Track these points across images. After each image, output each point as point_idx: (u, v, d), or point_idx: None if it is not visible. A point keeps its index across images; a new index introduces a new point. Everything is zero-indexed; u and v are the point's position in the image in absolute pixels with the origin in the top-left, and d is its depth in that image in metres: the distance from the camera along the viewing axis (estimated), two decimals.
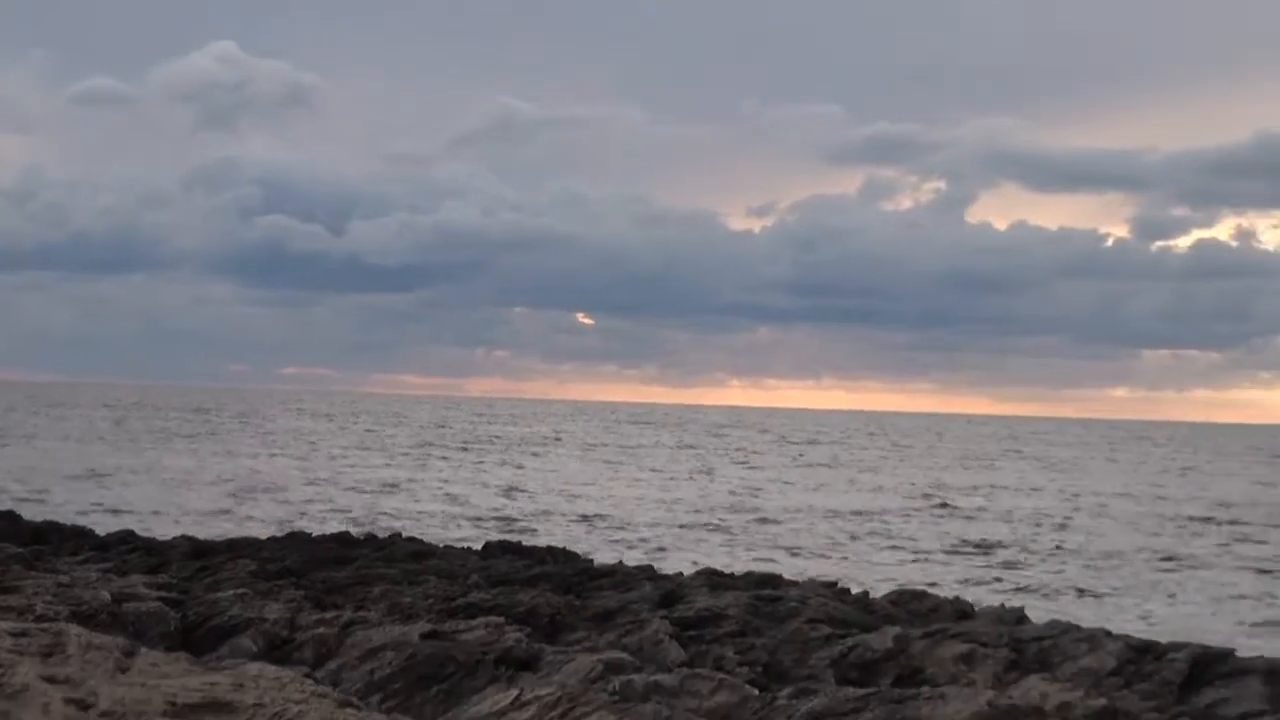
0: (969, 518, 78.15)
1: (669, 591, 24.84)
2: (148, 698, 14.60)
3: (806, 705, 16.81)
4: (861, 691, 17.38)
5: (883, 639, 19.91)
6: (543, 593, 23.71)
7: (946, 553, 61.90)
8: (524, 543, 35.00)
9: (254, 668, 16.72)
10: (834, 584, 26.86)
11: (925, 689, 17.36)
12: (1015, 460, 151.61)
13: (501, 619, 20.44)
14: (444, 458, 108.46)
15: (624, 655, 18.41)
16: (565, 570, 27.29)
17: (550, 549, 31.73)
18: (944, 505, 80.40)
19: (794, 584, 26.57)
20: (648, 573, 27.30)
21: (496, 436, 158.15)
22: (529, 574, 26.59)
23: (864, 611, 24.05)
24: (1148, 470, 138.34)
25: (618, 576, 26.49)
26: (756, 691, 17.54)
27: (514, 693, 17.12)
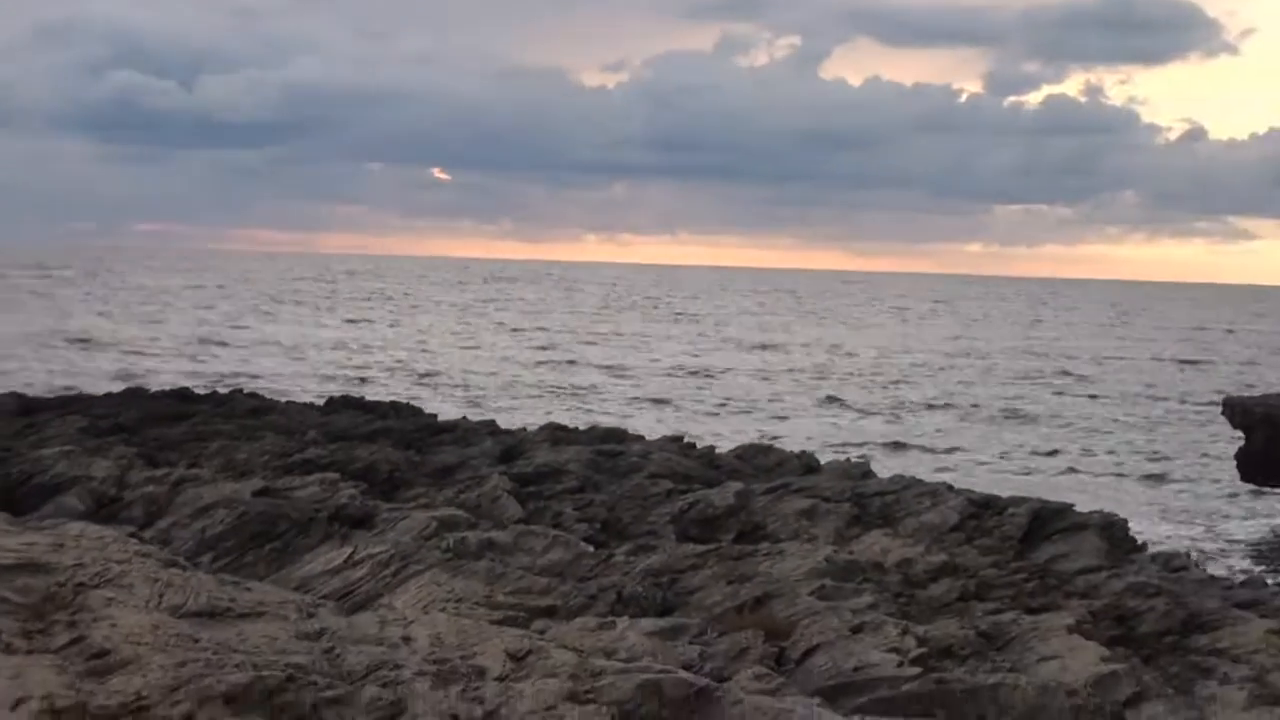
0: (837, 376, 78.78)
1: (510, 447, 24.41)
2: None
3: (644, 562, 16.51)
4: (701, 548, 17.12)
5: (724, 494, 19.64)
6: (382, 449, 23.19)
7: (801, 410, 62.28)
8: (366, 397, 34.32)
9: (76, 527, 16.05)
10: (679, 438, 26.57)
11: (765, 545, 17.15)
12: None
13: (337, 475, 19.94)
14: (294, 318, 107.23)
15: (459, 512, 17.99)
16: (406, 426, 26.72)
17: (394, 404, 31.08)
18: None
19: (638, 439, 26.24)
20: (490, 427, 26.82)
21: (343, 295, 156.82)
22: (369, 429, 26.00)
23: (709, 466, 23.79)
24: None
25: (459, 432, 25.99)
26: (591, 548, 17.22)
27: (347, 550, 16.65)
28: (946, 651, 13.23)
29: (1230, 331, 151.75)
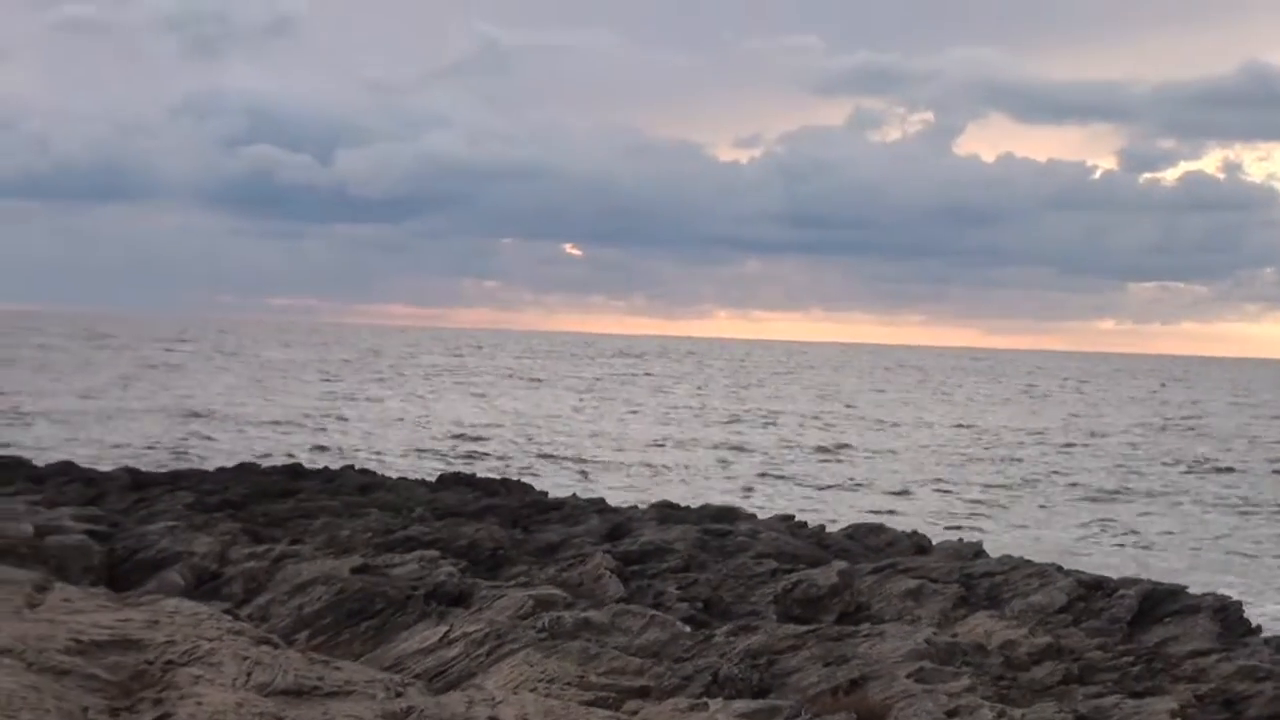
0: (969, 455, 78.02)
1: (617, 525, 24.30)
2: (52, 634, 14.02)
3: (744, 642, 16.31)
4: (801, 629, 16.89)
5: (828, 574, 19.39)
6: (487, 526, 23.14)
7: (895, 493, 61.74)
8: (480, 475, 34.37)
9: (172, 603, 16.16)
10: (790, 517, 26.35)
11: (866, 626, 16.89)
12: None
13: (437, 553, 19.90)
14: (419, 392, 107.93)
15: (556, 591, 17.88)
16: (513, 503, 26.71)
17: (505, 480, 31.14)
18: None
19: (749, 517, 26.06)
20: (598, 505, 26.74)
21: (477, 370, 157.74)
22: (477, 506, 26.00)
23: (817, 546, 23.55)
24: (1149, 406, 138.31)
25: (566, 509, 25.92)
26: (688, 629, 17.03)
27: (443, 629, 16.61)
28: None
29: None
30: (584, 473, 56.75)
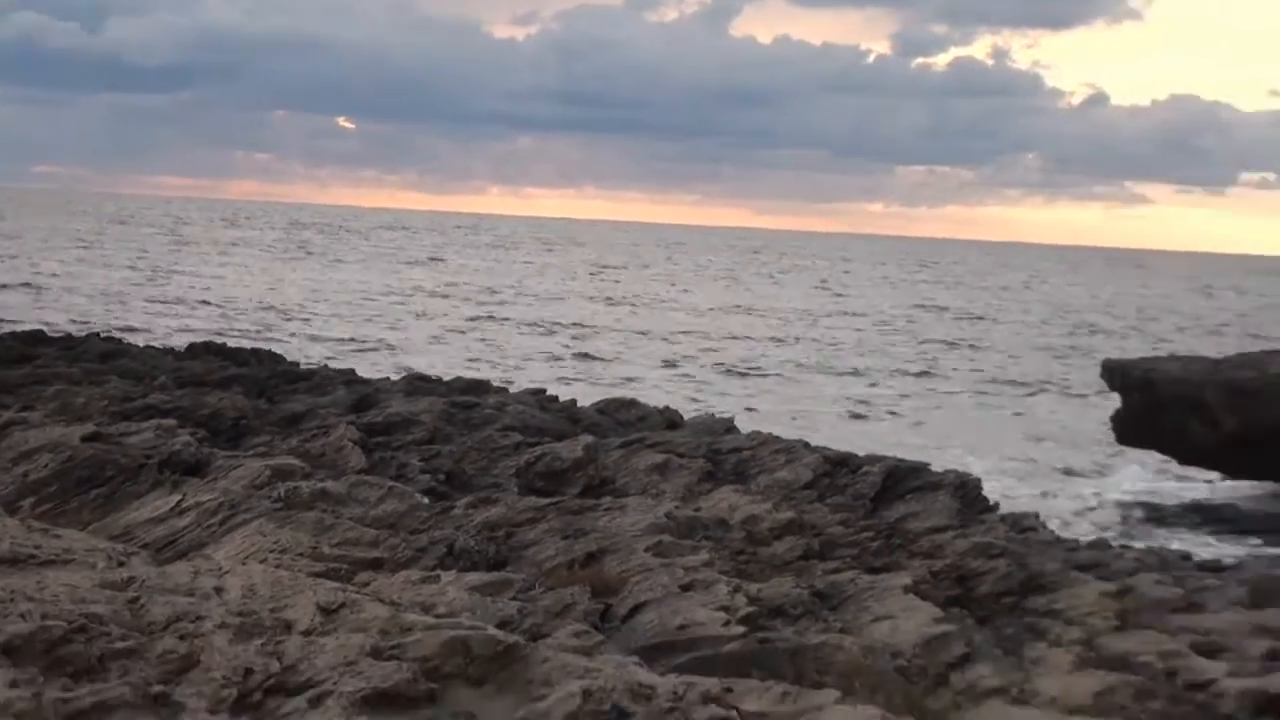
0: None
1: (364, 396, 23.85)
2: None
3: (483, 515, 16.04)
4: (542, 501, 16.67)
5: (572, 448, 19.15)
6: (231, 395, 22.55)
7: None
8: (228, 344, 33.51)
9: None
10: (541, 391, 26.07)
11: (607, 500, 16.72)
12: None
13: (175, 422, 19.29)
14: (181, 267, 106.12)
15: (294, 461, 17.42)
16: (261, 373, 26.08)
17: (255, 351, 30.41)
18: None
19: (499, 391, 25.73)
20: (347, 376, 26.22)
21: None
22: (223, 375, 25.33)
23: (567, 420, 23.34)
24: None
25: (315, 380, 25.38)
26: (426, 500, 16.72)
27: (175, 498, 16.09)
28: (778, 611, 12.85)
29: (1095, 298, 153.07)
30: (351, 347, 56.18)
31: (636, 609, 12.71)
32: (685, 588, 12.98)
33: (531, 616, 12.07)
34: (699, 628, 11.96)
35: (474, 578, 13.17)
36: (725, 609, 12.32)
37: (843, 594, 13.57)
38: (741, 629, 11.79)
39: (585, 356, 63.89)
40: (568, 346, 68.18)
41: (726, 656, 11.37)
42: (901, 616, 12.57)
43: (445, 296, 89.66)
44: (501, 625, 11.68)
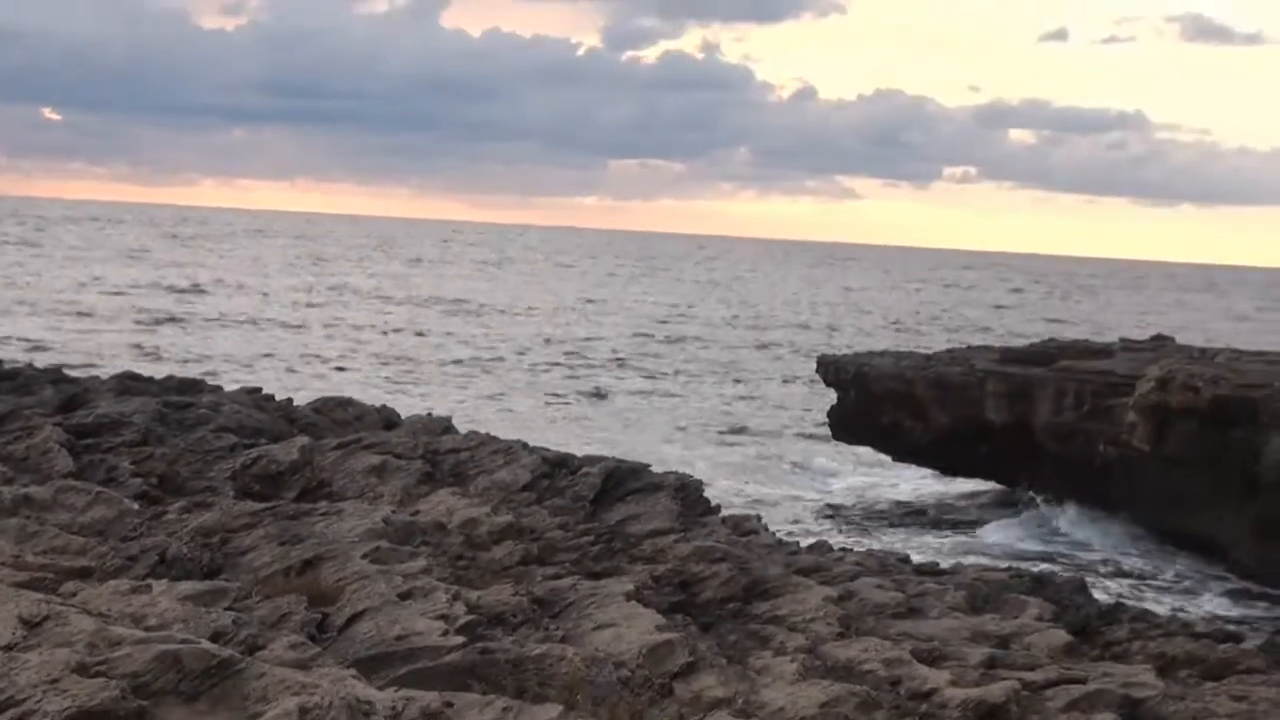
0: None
1: (73, 396, 23.02)
2: None
3: (196, 520, 15.60)
4: (259, 506, 16.29)
5: (289, 449, 18.77)
6: None
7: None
8: None
9: None
10: (257, 390, 25.49)
11: (324, 504, 16.41)
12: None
13: None
14: None
15: None
16: None
17: None
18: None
19: (214, 389, 25.09)
20: (53, 375, 25.30)
21: None
22: None
23: (284, 420, 22.83)
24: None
25: (20, 379, 24.41)
26: (136, 505, 16.22)
27: None
28: (498, 619, 12.72)
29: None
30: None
31: (354, 618, 12.46)
32: (403, 596, 12.77)
33: (247, 627, 11.74)
34: (418, 637, 11.77)
35: (187, 587, 12.79)
36: (444, 617, 12.15)
37: (564, 601, 13.47)
38: (461, 639, 11.62)
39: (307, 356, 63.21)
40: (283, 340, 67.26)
41: (447, 667, 11.20)
42: (624, 624, 12.51)
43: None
44: (216, 637, 11.36)
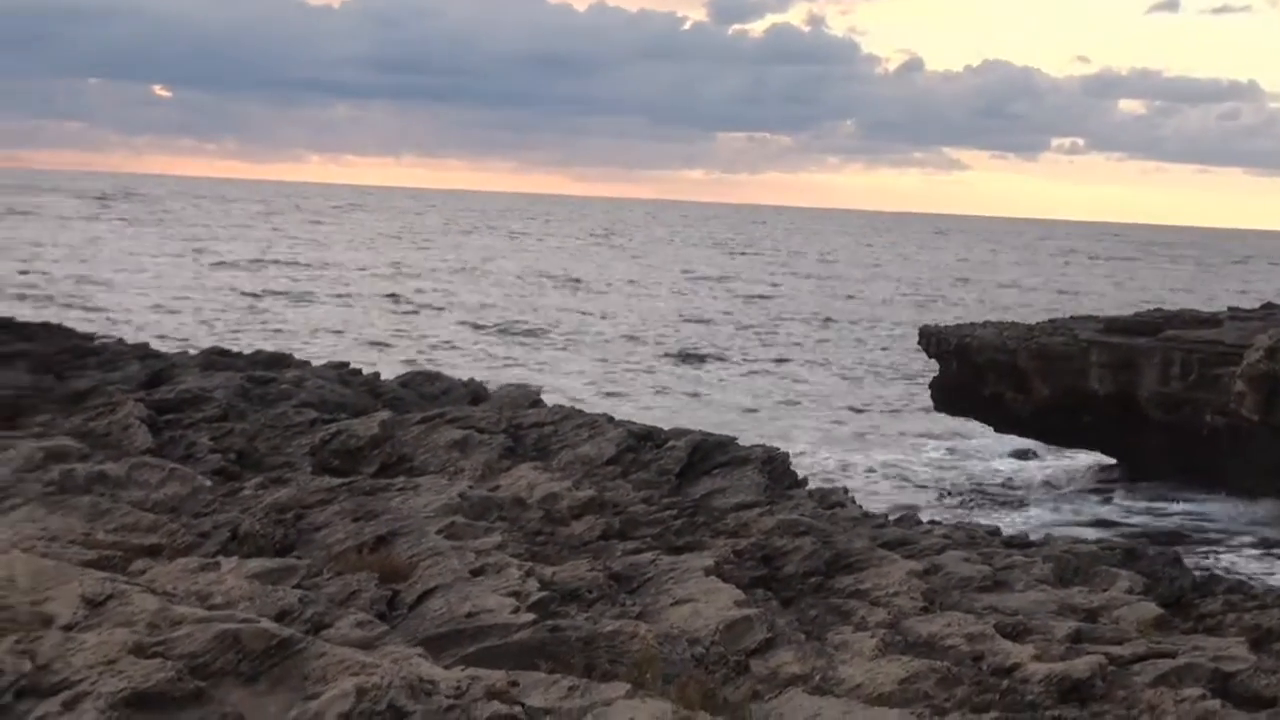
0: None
1: (158, 371, 22.88)
2: None
3: (271, 496, 15.35)
4: (336, 481, 16.03)
5: (368, 424, 18.47)
6: (12, 372, 21.52)
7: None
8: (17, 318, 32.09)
9: None
10: (344, 365, 25.28)
11: (401, 479, 16.12)
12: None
13: None
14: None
15: (70, 442, 16.57)
16: (49, 348, 24.90)
17: (45, 325, 29.15)
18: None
19: (301, 364, 24.89)
20: (141, 350, 25.18)
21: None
22: (4, 351, 24.15)
23: (369, 394, 22.61)
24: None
25: (106, 355, 24.32)
26: (210, 482, 15.98)
27: None
28: (573, 595, 12.34)
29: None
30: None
31: (425, 595, 12.14)
32: (476, 572, 12.44)
33: (314, 605, 11.44)
34: (488, 615, 11.42)
35: (256, 564, 12.52)
36: (516, 594, 11.80)
37: (642, 576, 13.09)
38: (532, 616, 11.26)
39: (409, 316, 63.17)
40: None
41: (516, 645, 10.84)
42: (702, 600, 12.12)
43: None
44: (281, 615, 11.08)
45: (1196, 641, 12.14)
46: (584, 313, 76.90)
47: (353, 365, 25.24)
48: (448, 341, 60.15)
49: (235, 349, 27.32)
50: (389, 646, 10.62)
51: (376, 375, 24.45)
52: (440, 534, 13.61)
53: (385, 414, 19.25)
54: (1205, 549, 32.57)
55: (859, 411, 51.58)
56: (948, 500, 37.23)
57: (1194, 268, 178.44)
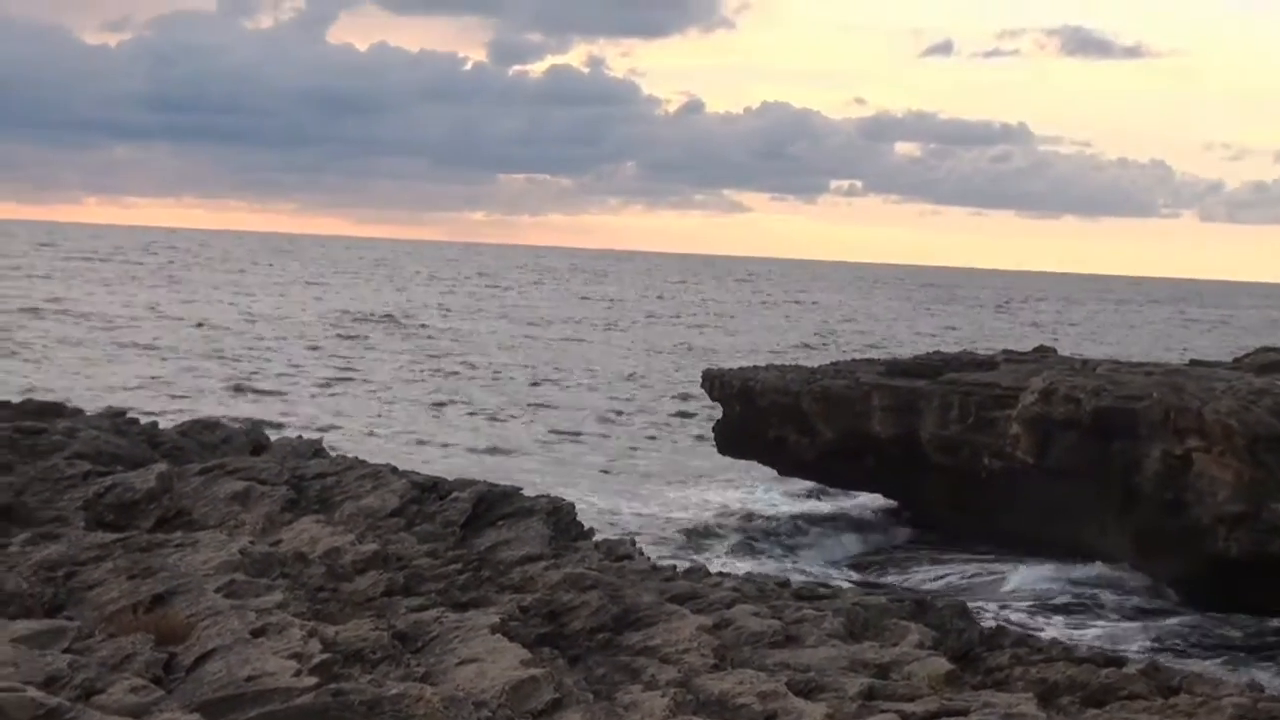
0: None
1: None
2: None
3: (41, 553, 14.83)
4: (110, 537, 15.55)
5: (145, 477, 17.99)
6: None
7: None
8: None
9: None
10: (122, 413, 24.61)
11: (180, 534, 15.70)
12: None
13: None
14: None
15: None
16: None
17: None
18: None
19: (75, 413, 24.17)
20: None
21: None
22: None
23: (147, 445, 22.00)
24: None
25: None
26: None
27: None
28: (356, 656, 12.08)
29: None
30: None
31: (203, 658, 11.80)
32: (257, 633, 12.12)
33: (85, 670, 11.03)
34: (269, 678, 11.11)
35: (22, 626, 12.08)
36: (298, 656, 11.51)
37: (427, 635, 12.86)
38: (314, 679, 10.98)
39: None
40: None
41: (297, 710, 10.56)
42: (488, 659, 11.92)
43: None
44: (49, 682, 10.67)
45: (987, 698, 12.20)
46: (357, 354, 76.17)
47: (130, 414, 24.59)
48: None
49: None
50: (164, 713, 10.29)
51: (154, 424, 23.82)
52: (220, 592, 13.27)
53: (162, 466, 18.77)
54: (985, 598, 33.07)
55: (645, 457, 51.63)
56: (735, 547, 37.38)
57: (975, 309, 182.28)
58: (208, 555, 14.49)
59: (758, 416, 44.52)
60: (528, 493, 18.96)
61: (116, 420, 23.44)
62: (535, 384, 69.83)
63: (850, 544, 40.04)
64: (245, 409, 51.97)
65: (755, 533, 40.11)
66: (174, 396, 55.57)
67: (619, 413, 61.70)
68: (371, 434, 49.91)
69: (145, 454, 21.00)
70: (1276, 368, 38.39)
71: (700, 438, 53.22)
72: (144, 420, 24.17)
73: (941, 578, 35.57)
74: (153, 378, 61.42)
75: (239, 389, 59.91)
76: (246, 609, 12.71)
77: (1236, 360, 43.65)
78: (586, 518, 19.99)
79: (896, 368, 44.62)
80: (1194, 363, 44.81)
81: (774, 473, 45.89)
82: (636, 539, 19.41)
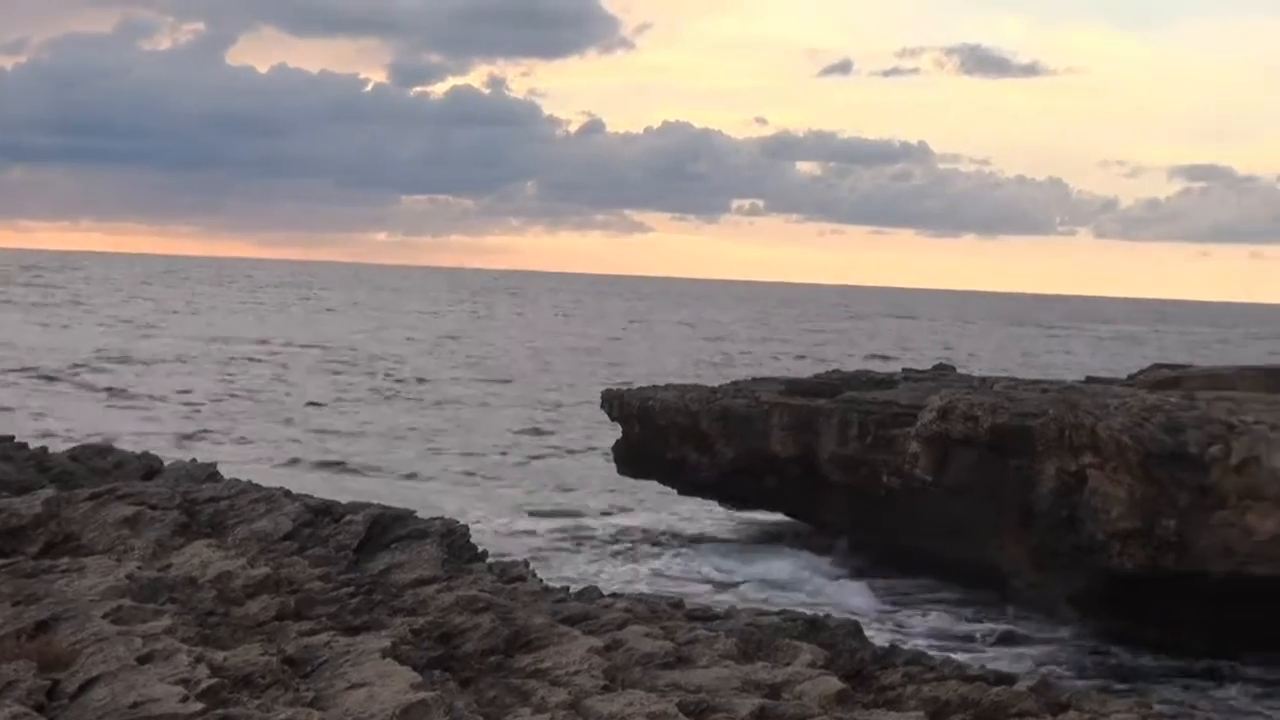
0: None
1: None
2: None
3: None
4: None
5: (31, 503, 17.73)
6: None
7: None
8: None
9: None
10: (9, 438, 24.28)
11: (66, 560, 15.50)
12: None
13: None
14: None
15: None
16: None
17: None
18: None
19: None
20: None
21: None
22: None
23: (35, 469, 21.74)
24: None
25: None
26: None
27: None
28: (245, 681, 11.96)
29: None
30: None
31: (87, 684, 11.64)
32: (143, 659, 11.98)
33: None
34: (154, 704, 11.00)
35: None
36: (185, 682, 11.39)
37: (317, 659, 12.76)
38: (201, 705, 10.88)
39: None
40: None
41: None
42: (378, 683, 11.84)
43: None
44: None
45: (878, 717, 12.26)
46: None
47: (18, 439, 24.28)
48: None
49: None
50: None
51: (44, 449, 23.53)
52: (106, 618, 13.10)
53: (50, 491, 18.52)
54: (884, 614, 33.22)
55: (541, 478, 51.53)
56: (630, 567, 37.37)
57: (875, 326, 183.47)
58: (94, 580, 14.32)
59: (657, 436, 44.51)
60: (422, 514, 18.87)
61: (4, 445, 23.14)
62: (440, 403, 69.65)
63: (747, 563, 40.02)
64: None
65: (653, 553, 40.10)
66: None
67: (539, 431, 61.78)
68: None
69: (33, 478, 20.74)
70: (1169, 384, 38.78)
71: (593, 459, 53.26)
72: (34, 445, 23.89)
73: (838, 597, 35.64)
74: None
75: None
76: (133, 634, 12.57)
77: (1130, 377, 44.06)
78: (483, 539, 19.92)
79: (796, 387, 44.68)
80: (1089, 379, 45.24)
81: (674, 492, 45.86)
82: (531, 561, 19.32)
